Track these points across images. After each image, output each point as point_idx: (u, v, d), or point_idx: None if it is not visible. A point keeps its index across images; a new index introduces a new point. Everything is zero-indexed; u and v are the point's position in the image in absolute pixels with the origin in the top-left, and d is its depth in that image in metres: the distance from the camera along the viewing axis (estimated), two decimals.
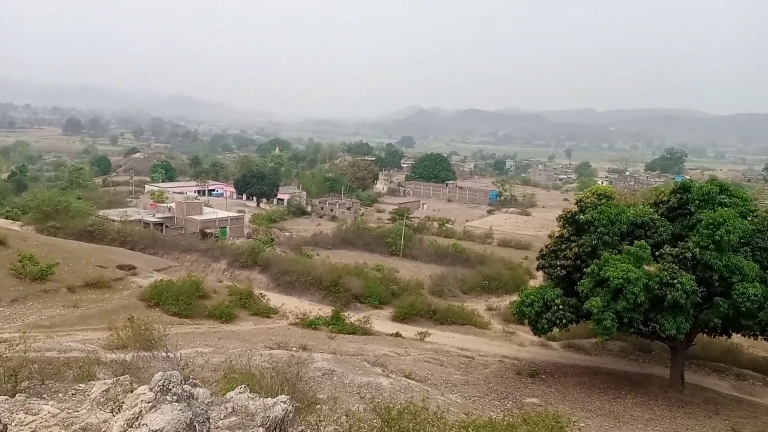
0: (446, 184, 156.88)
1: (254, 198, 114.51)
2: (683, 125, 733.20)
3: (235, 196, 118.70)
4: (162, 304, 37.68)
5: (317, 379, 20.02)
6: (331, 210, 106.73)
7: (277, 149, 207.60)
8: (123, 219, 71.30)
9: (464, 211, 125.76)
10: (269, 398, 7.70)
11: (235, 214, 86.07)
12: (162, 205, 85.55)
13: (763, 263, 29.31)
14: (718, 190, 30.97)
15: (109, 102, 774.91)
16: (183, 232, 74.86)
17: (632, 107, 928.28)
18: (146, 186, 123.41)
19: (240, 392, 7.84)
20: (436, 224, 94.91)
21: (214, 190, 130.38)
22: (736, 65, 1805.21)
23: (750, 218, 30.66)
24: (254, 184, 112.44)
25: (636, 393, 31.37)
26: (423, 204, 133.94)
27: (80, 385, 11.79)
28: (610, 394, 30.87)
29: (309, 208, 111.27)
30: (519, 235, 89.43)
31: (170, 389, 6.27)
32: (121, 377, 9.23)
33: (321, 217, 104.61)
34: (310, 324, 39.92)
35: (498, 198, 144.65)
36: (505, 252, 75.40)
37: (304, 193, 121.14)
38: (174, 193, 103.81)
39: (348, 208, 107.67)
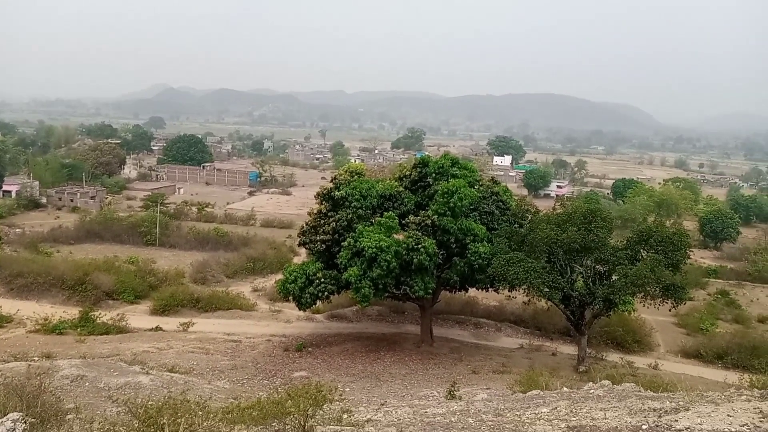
0: (203, 167, 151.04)
1: None
2: (421, 106, 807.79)
3: None
4: None
5: (65, 388, 17.99)
6: (72, 200, 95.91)
7: None
8: None
9: (224, 193, 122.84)
10: None
11: None
12: None
13: (488, 225, 34.01)
14: (450, 164, 35.05)
15: None
16: None
17: (377, 89, 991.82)
18: None
19: None
20: (195, 209, 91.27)
21: None
22: (463, 52, 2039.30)
23: (477, 187, 35.24)
24: None
25: (393, 352, 34.26)
26: (179, 188, 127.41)
27: None
28: (371, 356, 33.24)
29: (44, 200, 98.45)
30: (281, 215, 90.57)
31: None
32: None
33: (59, 209, 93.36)
34: (53, 329, 36.19)
35: (258, 179, 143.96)
36: (268, 232, 75.76)
37: (37, 182, 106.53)
38: None
39: (92, 197, 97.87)
